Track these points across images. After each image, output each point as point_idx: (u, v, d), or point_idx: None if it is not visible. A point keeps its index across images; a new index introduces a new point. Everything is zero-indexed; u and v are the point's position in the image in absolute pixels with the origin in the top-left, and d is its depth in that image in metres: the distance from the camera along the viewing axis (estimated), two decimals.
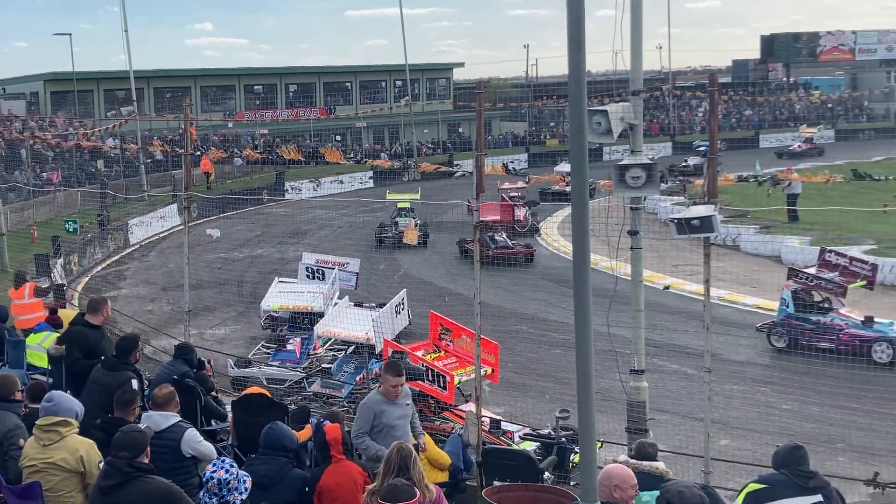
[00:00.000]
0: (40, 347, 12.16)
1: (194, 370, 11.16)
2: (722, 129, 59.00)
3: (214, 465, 6.42)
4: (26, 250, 27.66)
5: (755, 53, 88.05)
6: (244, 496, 6.35)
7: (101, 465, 6.77)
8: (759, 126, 70.15)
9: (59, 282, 23.91)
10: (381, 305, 18.86)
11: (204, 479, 6.42)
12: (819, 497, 6.44)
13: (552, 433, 11.41)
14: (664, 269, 23.02)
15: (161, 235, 36.76)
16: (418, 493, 6.04)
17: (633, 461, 7.55)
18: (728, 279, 22.58)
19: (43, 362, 11.93)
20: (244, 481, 6.39)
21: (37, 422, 7.30)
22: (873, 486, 9.88)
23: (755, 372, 17.97)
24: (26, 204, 35.66)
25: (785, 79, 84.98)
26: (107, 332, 10.89)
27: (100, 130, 35.89)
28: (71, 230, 26.81)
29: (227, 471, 6.33)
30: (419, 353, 13.30)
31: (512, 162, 51.56)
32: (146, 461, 6.46)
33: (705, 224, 9.40)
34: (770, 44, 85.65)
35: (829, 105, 76.81)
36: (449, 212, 33.50)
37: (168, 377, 10.16)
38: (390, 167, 14.11)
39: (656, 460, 7.74)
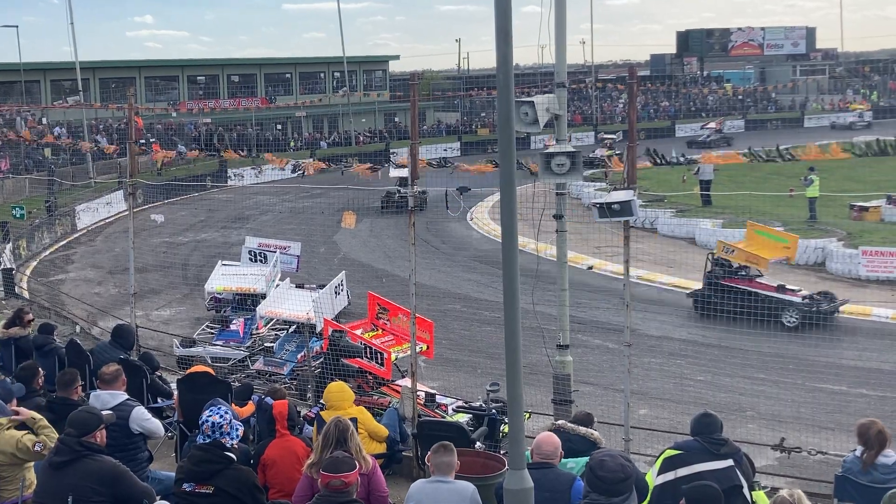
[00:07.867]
0: None
1: (130, 351, 11.02)
2: (640, 120, 59.62)
3: (211, 410, 6.67)
4: None
5: (672, 48, 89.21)
6: (234, 442, 6.59)
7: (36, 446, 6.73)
8: (675, 116, 71.04)
9: (8, 266, 23.45)
10: (322, 287, 18.82)
11: (200, 421, 6.66)
12: (730, 462, 6.56)
13: (483, 405, 11.47)
14: (587, 250, 23.24)
15: (107, 221, 36.11)
16: (358, 464, 6.05)
17: (571, 425, 7.73)
18: (646, 259, 22.85)
19: None
20: (237, 428, 6.66)
21: None
22: (780, 451, 10.10)
23: (671, 346, 18.22)
24: None
25: (699, 72, 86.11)
26: None
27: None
28: (18, 216, 26.37)
29: (221, 416, 6.59)
30: (358, 332, 13.32)
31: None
32: (98, 442, 6.36)
33: (625, 208, 9.49)
34: (685, 39, 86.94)
35: (740, 97, 78.03)
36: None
37: (103, 361, 9.96)
38: (325, 167, 13.95)
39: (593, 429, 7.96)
